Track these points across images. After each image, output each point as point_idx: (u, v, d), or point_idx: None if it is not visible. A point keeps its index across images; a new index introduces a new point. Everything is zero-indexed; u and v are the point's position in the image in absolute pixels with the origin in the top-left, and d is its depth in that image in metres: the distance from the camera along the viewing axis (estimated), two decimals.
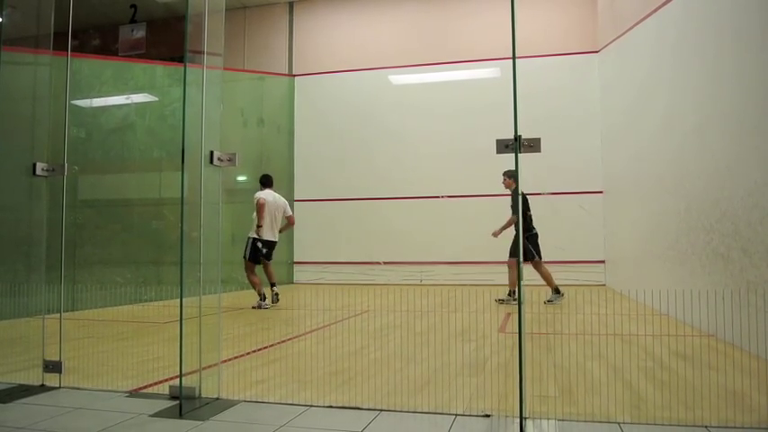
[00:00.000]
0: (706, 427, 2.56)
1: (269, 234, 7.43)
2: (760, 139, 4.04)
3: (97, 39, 12.02)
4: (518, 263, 2.71)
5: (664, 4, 6.34)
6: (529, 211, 7.32)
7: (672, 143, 6.05)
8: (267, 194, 7.52)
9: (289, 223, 7.85)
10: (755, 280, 4.04)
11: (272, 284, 7.56)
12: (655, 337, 4.82)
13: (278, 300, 7.47)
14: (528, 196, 7.32)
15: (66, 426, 2.70)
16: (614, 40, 8.87)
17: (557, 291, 7.28)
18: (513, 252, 7.18)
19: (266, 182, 7.71)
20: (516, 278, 6.88)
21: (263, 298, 7.38)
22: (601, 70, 10.08)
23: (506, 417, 2.71)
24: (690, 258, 5.45)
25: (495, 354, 4.26)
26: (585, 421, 2.66)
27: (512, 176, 7.39)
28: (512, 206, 7.26)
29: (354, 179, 11.24)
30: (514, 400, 2.68)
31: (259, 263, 7.48)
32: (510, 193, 7.30)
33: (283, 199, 7.80)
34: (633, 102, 7.80)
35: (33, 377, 3.47)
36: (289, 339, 5.04)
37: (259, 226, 7.27)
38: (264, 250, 7.44)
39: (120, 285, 8.14)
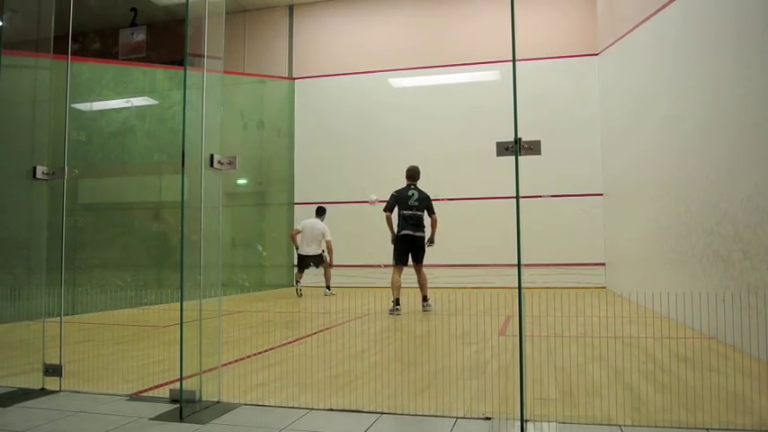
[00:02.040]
0: (707, 429, 2.55)
1: (303, 249, 9.53)
2: (760, 141, 4.04)
3: (97, 42, 12.03)
4: (518, 266, 2.71)
5: (663, 6, 6.35)
6: (402, 210, 7.14)
7: (672, 145, 6.06)
8: (306, 221, 9.67)
9: (327, 248, 9.59)
10: (756, 282, 4.03)
11: (327, 287, 9.63)
12: (655, 340, 4.82)
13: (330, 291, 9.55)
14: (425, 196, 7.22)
15: (66, 429, 2.70)
16: (614, 42, 8.89)
17: (396, 302, 6.92)
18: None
19: (317, 211, 9.83)
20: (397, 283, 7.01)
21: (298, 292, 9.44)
22: (601, 73, 10.09)
23: (507, 419, 2.70)
24: (690, 261, 5.45)
25: (495, 356, 4.26)
26: (586, 424, 2.66)
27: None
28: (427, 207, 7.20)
29: (354, 182, 11.24)
30: (515, 402, 2.68)
31: (303, 269, 9.59)
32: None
33: (321, 225, 9.55)
34: (633, 104, 7.81)
35: (34, 380, 3.47)
36: (289, 342, 5.04)
37: (296, 247, 9.76)
38: (306, 262, 9.55)
39: (121, 289, 8.15)
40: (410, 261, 7.17)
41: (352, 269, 10.98)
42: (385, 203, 7.27)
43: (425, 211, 7.23)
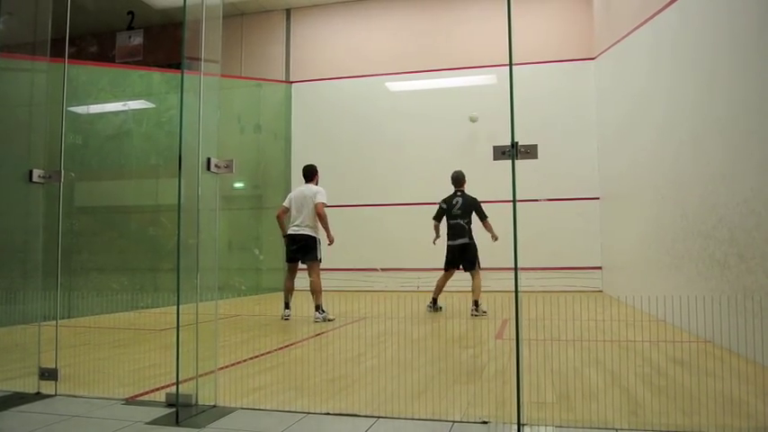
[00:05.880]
0: None
1: (291, 228, 6.74)
2: (755, 146, 4.05)
3: (94, 45, 12.03)
4: (515, 269, 2.71)
5: (659, 11, 6.37)
6: (448, 219, 7.27)
7: (668, 149, 6.07)
8: (295, 190, 7.04)
9: (318, 215, 6.62)
10: (752, 286, 4.04)
11: (317, 307, 6.76)
12: (652, 343, 4.82)
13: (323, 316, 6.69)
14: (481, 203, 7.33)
15: None
16: (610, 46, 8.91)
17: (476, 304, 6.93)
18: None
19: (305, 174, 7.16)
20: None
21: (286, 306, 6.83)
22: (597, 77, 10.12)
23: (504, 423, 2.70)
24: (686, 264, 5.46)
25: (492, 360, 4.26)
26: (583, 428, 2.65)
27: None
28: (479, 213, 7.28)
29: (351, 186, 11.23)
30: (512, 406, 2.68)
31: (290, 262, 6.94)
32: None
33: (313, 188, 6.81)
34: (629, 108, 7.82)
35: (29, 385, 3.46)
36: (286, 346, 5.03)
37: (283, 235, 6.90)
38: (291, 247, 6.76)
39: (117, 292, 8.12)
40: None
41: (349, 272, 10.95)
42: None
43: (475, 216, 7.27)
